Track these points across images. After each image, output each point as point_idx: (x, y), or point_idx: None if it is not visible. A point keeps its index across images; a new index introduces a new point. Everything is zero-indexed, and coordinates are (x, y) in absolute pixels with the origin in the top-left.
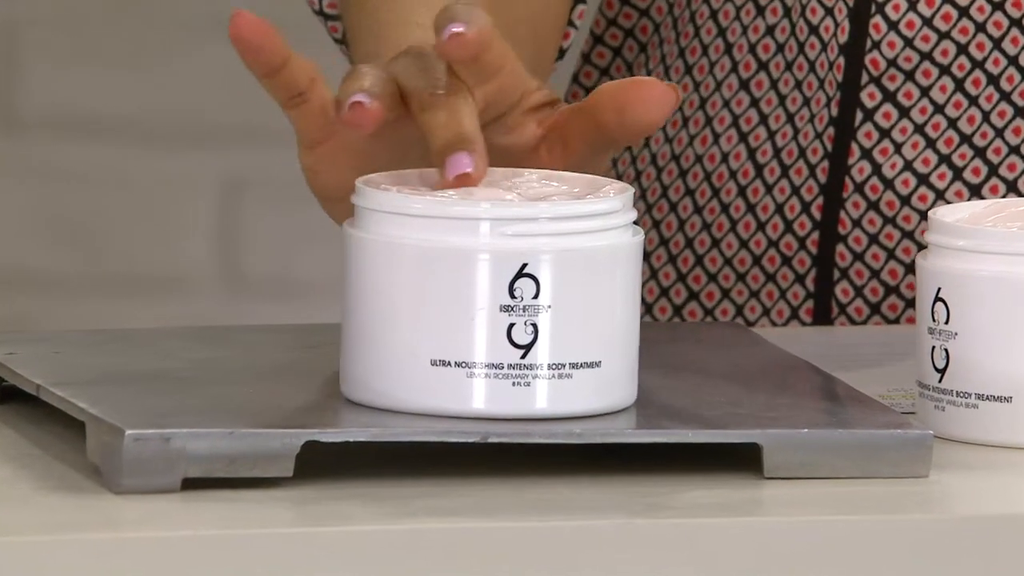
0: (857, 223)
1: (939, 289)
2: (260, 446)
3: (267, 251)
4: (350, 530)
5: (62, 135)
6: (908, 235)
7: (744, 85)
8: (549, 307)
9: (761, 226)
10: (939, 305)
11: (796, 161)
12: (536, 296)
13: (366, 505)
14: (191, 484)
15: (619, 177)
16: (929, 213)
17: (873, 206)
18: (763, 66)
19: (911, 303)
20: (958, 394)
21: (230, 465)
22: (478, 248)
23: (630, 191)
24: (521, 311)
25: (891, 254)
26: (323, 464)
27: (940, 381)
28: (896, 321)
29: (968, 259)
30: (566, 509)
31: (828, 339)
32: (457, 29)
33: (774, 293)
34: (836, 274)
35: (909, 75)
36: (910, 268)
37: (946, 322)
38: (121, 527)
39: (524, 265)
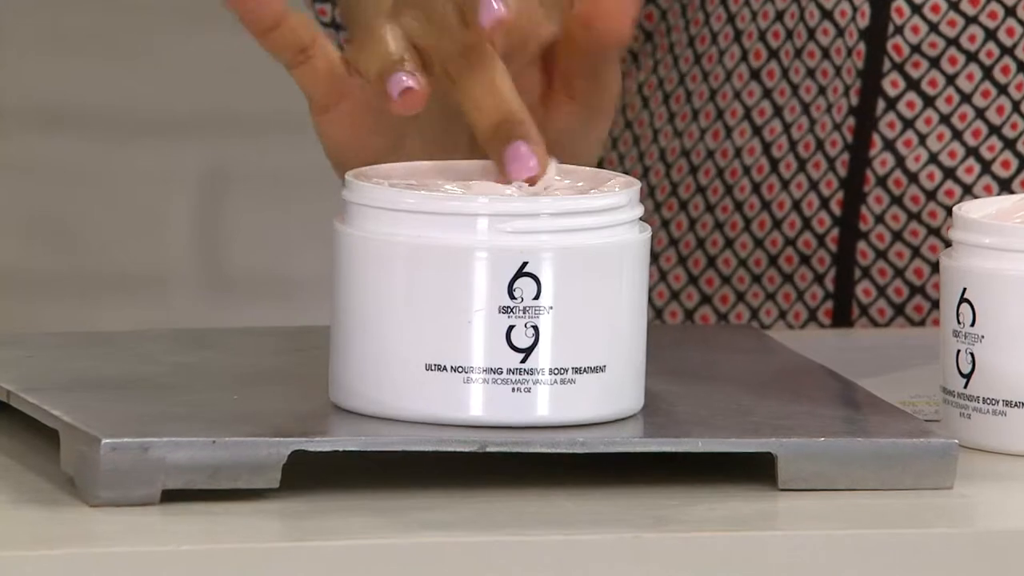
0: (880, 219)
1: (964, 289)
2: (245, 456)
3: (251, 248)
4: (340, 544)
5: (33, 127)
6: (934, 232)
7: (755, 75)
8: (551, 308)
9: (777, 224)
10: (965, 306)
11: (814, 154)
12: (537, 296)
13: (357, 518)
14: (171, 496)
15: (626, 173)
16: (954, 209)
17: (896, 201)
18: (773, 54)
19: (937, 304)
20: (985, 401)
21: (213, 476)
22: (475, 245)
23: (636, 185)
24: (521, 312)
25: (916, 252)
26: (311, 475)
27: (966, 387)
28: (921, 323)
29: (996, 257)
30: (569, 523)
31: (846, 343)
32: (499, 14)
33: (791, 295)
34: (857, 273)
35: (934, 62)
36: (936, 267)
37: (972, 324)
38: (97, 542)
39: (524, 264)
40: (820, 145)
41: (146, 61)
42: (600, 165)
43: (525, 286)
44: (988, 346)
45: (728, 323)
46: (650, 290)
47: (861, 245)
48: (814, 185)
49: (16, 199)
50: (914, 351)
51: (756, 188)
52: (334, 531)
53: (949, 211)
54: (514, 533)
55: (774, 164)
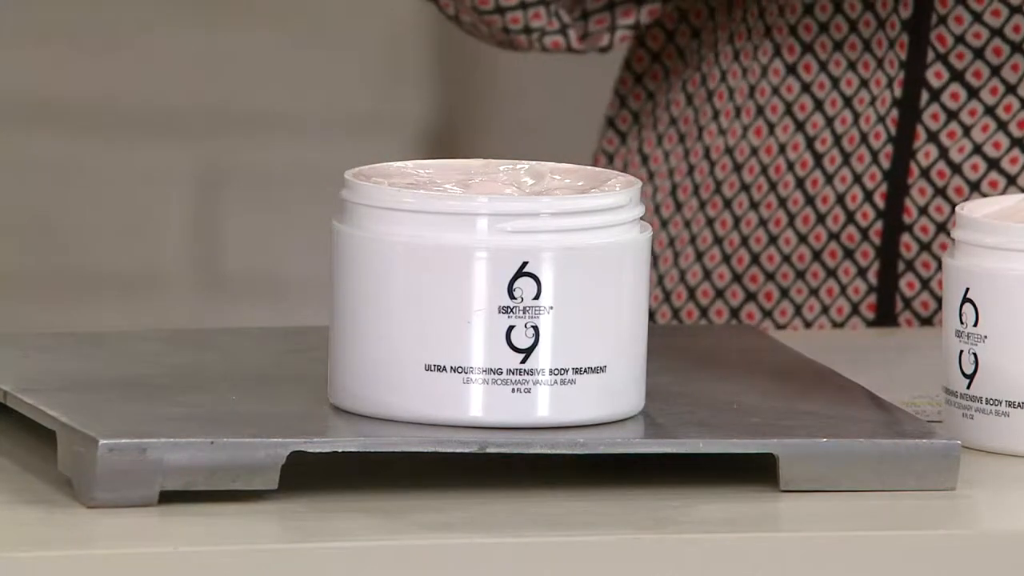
0: (923, 211)
1: (967, 289)
2: (243, 457)
3: (248, 248)
4: (339, 546)
5: (20, 123)
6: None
7: (791, 70)
8: (551, 308)
9: (821, 219)
10: (967, 306)
11: (858, 147)
12: (537, 297)
13: (356, 519)
14: (169, 497)
15: (670, 173)
16: (956, 208)
17: (940, 192)
18: (807, 48)
19: None
20: (987, 401)
21: (211, 477)
22: (475, 245)
23: (637, 185)
24: (521, 313)
25: None
26: (310, 476)
27: (968, 387)
28: None
29: (999, 257)
30: (569, 524)
31: (848, 342)
32: None
33: (834, 289)
34: (901, 266)
35: (978, 53)
36: None
37: (975, 325)
38: (95, 544)
39: (524, 264)
40: (864, 138)
41: (142, 58)
42: (645, 162)
43: (525, 286)
44: (991, 346)
45: (773, 321)
46: (693, 288)
47: (905, 238)
48: (858, 178)
49: (11, 198)
50: (916, 351)
51: (800, 183)
52: (333, 532)
53: None
54: (514, 534)
55: (818, 159)
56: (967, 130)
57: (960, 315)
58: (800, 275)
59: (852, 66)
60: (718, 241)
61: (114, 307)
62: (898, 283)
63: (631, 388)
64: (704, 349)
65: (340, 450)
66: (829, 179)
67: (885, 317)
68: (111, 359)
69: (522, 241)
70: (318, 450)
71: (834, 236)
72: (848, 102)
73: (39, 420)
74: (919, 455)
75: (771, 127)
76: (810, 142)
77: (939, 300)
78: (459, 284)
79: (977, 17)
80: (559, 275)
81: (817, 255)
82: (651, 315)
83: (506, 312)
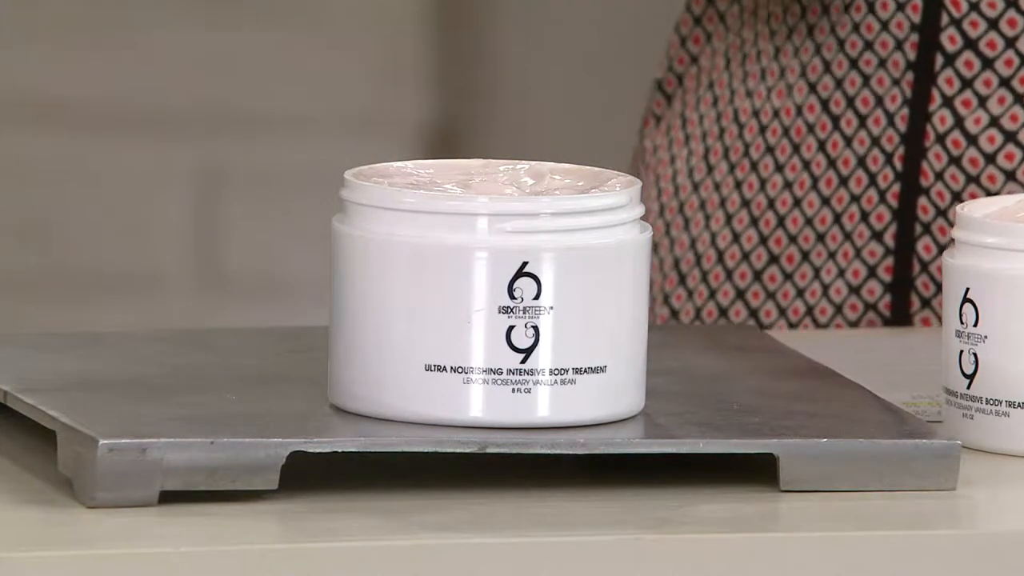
0: (939, 176)
1: (967, 289)
2: (243, 457)
3: (248, 248)
4: (339, 546)
5: (19, 122)
6: (992, 196)
7: (810, 31)
8: (551, 308)
9: (843, 181)
10: (967, 306)
11: (873, 109)
12: (537, 297)
13: (356, 519)
14: (169, 497)
15: (703, 136)
16: (956, 208)
17: (955, 161)
18: (826, 10)
19: None
20: (988, 401)
21: (211, 477)
22: (475, 245)
23: (637, 185)
24: (521, 313)
25: None
26: (310, 476)
27: (968, 388)
28: None
29: (999, 257)
30: (570, 524)
31: (848, 342)
32: None
33: (849, 252)
34: (919, 229)
35: (992, 23)
36: None
37: (975, 324)
38: (95, 543)
39: (524, 264)
40: (880, 101)
41: (142, 58)
42: (684, 125)
43: (525, 286)
44: (991, 347)
45: (795, 285)
46: (722, 251)
47: (922, 201)
48: (876, 141)
49: (11, 198)
50: (916, 351)
51: (822, 146)
52: (333, 532)
53: (1009, 176)
54: (514, 534)
55: (835, 121)
56: (983, 100)
57: (960, 315)
58: (821, 238)
59: (856, 28)
60: (746, 204)
61: (114, 307)
62: (915, 246)
63: (631, 388)
64: (704, 349)
65: (340, 450)
66: (848, 141)
67: (902, 281)
68: (111, 359)
69: (522, 241)
70: (318, 450)
71: (855, 199)
72: (854, 64)
73: (39, 420)
74: (919, 455)
75: (789, 88)
76: (824, 104)
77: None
78: (459, 284)
79: None
80: (559, 275)
81: (838, 218)
82: (683, 278)
83: (506, 312)
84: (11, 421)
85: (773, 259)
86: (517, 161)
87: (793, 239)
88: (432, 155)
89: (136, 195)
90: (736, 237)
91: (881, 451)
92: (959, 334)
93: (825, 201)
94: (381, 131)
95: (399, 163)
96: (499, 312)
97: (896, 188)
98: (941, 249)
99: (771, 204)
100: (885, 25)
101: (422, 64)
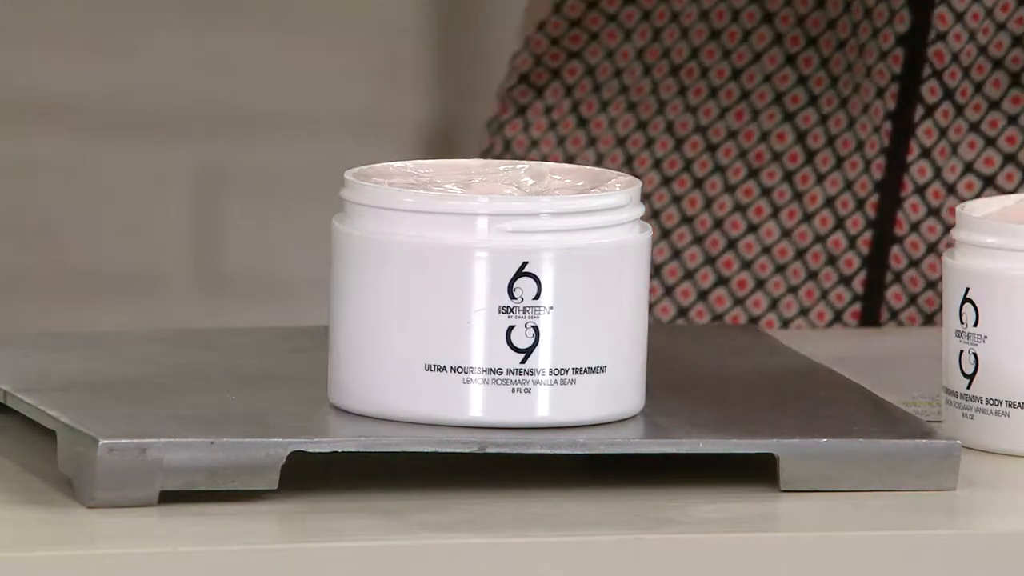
0: (915, 227)
1: (967, 289)
2: (243, 457)
3: (248, 248)
4: (339, 546)
5: (20, 123)
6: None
7: (790, 60)
8: (551, 308)
9: (808, 217)
10: (967, 306)
11: (853, 153)
12: (537, 297)
13: (356, 520)
14: (169, 497)
15: (620, 142)
16: (957, 208)
17: (934, 213)
18: (812, 42)
19: None
20: (988, 401)
21: (211, 477)
22: (475, 245)
23: (637, 185)
24: (521, 313)
25: None
26: (310, 476)
27: (968, 388)
28: None
29: (999, 257)
30: (569, 524)
31: (849, 343)
32: None
33: (814, 292)
34: (889, 277)
35: (966, 71)
36: None
37: (975, 324)
38: (95, 543)
39: (524, 264)
40: (860, 145)
41: (141, 57)
42: (583, 124)
43: (525, 286)
44: (991, 346)
45: (743, 308)
46: (660, 266)
47: (895, 250)
48: (849, 184)
49: (11, 198)
50: (916, 351)
51: (788, 176)
52: (333, 532)
53: None
54: (514, 534)
55: (810, 155)
56: (954, 148)
57: (960, 315)
58: (780, 269)
59: (849, 67)
60: (687, 220)
61: (114, 307)
62: (884, 294)
63: (631, 388)
64: (704, 349)
65: (340, 450)
66: (820, 179)
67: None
68: (111, 359)
69: (522, 241)
70: (318, 450)
71: (820, 239)
72: (844, 103)
73: (39, 420)
74: (919, 455)
75: (755, 113)
76: (800, 135)
77: (926, 317)
78: (459, 284)
79: (972, 36)
80: (559, 275)
81: (800, 253)
82: None
83: (506, 312)
84: (11, 421)
85: (722, 281)
86: (517, 161)
87: (747, 264)
88: (432, 155)
89: (136, 195)
90: (677, 254)
91: (881, 451)
92: (959, 334)
93: (786, 233)
94: (381, 131)
95: (399, 163)
96: (499, 312)
97: (868, 235)
98: (912, 300)
99: (718, 224)
100: (868, 72)
101: (422, 64)
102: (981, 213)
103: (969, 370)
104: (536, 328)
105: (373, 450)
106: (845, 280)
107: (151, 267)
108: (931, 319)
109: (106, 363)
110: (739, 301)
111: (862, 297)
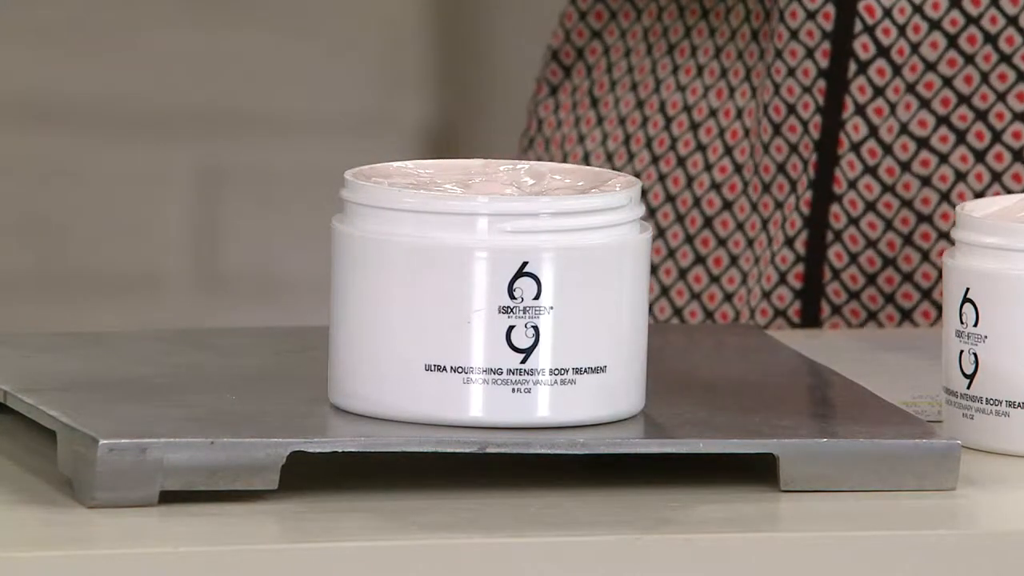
0: (852, 184)
1: (967, 289)
2: (243, 457)
3: (247, 248)
4: (339, 546)
5: (20, 123)
6: (906, 204)
7: (755, 36)
8: (551, 308)
9: (767, 187)
10: (968, 306)
11: (786, 118)
12: (537, 297)
13: (356, 519)
14: (169, 497)
15: (621, 121)
16: (957, 208)
17: (870, 171)
18: (768, 16)
19: (908, 277)
20: (988, 401)
21: (211, 477)
22: (475, 245)
23: (637, 185)
24: (521, 313)
25: (889, 224)
26: (310, 476)
27: (969, 388)
28: (892, 295)
29: (999, 257)
30: (570, 524)
31: (849, 342)
32: None
33: (766, 258)
34: (830, 236)
35: (901, 30)
36: (908, 240)
37: (975, 324)
38: (95, 544)
39: (524, 264)
40: (792, 109)
41: (142, 58)
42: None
43: (525, 286)
44: (991, 346)
45: (719, 286)
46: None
47: (834, 208)
48: (793, 148)
49: (11, 198)
50: (916, 351)
51: (752, 151)
52: (333, 532)
53: (924, 181)
54: (514, 534)
55: (747, 130)
56: (892, 108)
57: (960, 315)
58: (750, 243)
59: (755, 35)
60: (671, 199)
61: (114, 307)
62: (826, 253)
63: (631, 388)
64: (704, 349)
65: (340, 450)
66: (766, 148)
67: (812, 288)
68: (111, 359)
69: (522, 241)
70: (318, 450)
71: (779, 205)
72: (768, 72)
73: (39, 420)
74: (919, 455)
75: (732, 90)
76: (739, 112)
77: (868, 276)
78: (459, 284)
79: None
80: (559, 275)
81: (765, 224)
82: None
83: (506, 312)
84: (11, 421)
85: (699, 260)
86: (517, 161)
87: (723, 242)
88: (432, 155)
89: (136, 195)
90: (661, 232)
91: (881, 451)
92: (959, 334)
93: (754, 207)
94: (381, 131)
95: (399, 163)
96: (499, 312)
97: (808, 195)
98: (852, 259)
99: (697, 203)
100: (795, 34)
101: (422, 64)
102: (981, 213)
103: (969, 370)
104: (536, 328)
105: (373, 450)
106: (788, 241)
107: (151, 267)
108: (873, 280)
109: (106, 363)
110: (715, 279)
111: (804, 258)
